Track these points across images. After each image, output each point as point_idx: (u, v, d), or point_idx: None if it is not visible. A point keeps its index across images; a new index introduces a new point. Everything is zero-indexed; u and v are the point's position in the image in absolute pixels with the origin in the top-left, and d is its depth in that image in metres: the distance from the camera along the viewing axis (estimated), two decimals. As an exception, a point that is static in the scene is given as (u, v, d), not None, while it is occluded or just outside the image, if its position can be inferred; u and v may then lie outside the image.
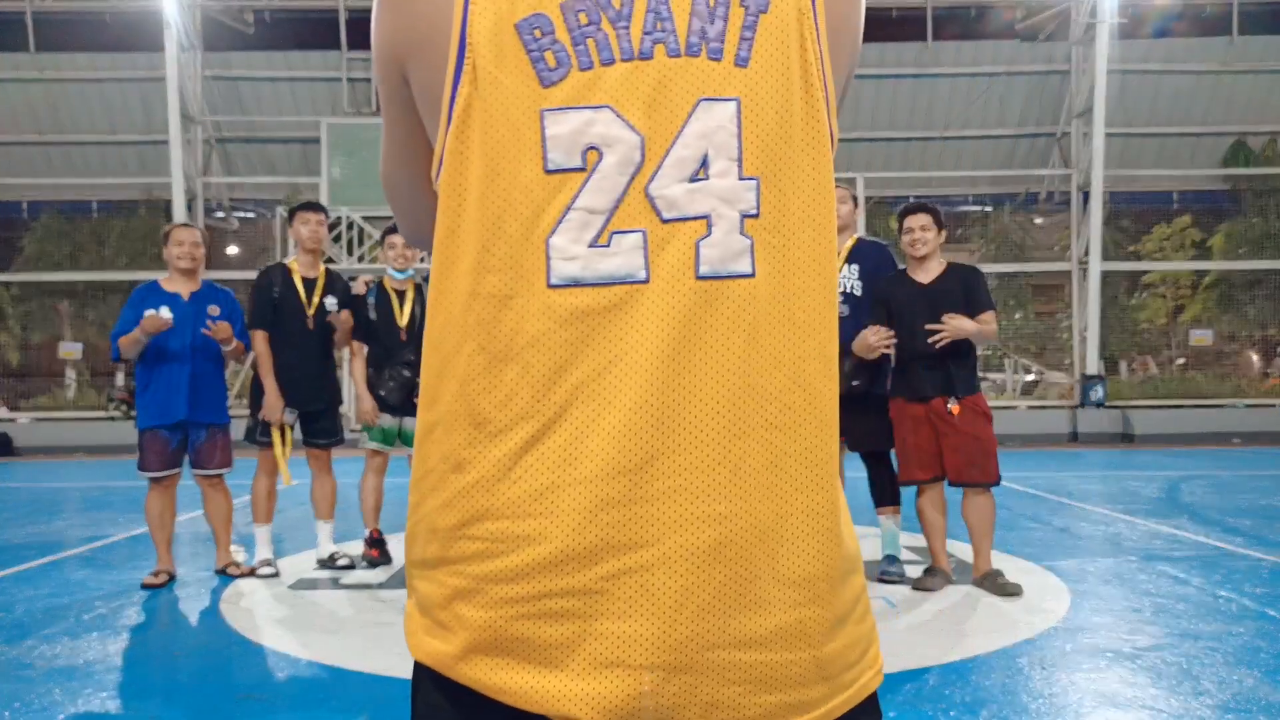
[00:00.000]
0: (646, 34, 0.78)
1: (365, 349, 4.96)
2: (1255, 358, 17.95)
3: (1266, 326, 16.52)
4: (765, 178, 0.79)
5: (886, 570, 4.34)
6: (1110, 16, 14.21)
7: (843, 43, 0.84)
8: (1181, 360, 17.10)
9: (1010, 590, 3.98)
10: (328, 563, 4.79)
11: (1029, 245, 16.56)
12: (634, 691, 0.77)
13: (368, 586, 4.43)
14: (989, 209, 16.53)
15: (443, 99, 0.80)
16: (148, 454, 4.49)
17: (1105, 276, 15.04)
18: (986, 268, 15.34)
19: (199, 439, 4.55)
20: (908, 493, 4.40)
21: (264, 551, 4.72)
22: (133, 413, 4.69)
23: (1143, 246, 17.05)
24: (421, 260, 13.79)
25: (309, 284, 4.80)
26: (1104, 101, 14.26)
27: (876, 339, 4.13)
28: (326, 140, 14.58)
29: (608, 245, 0.77)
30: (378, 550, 4.90)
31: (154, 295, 4.52)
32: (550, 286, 0.77)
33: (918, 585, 4.15)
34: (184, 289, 4.56)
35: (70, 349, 15.63)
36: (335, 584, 4.49)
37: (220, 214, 16.00)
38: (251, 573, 4.60)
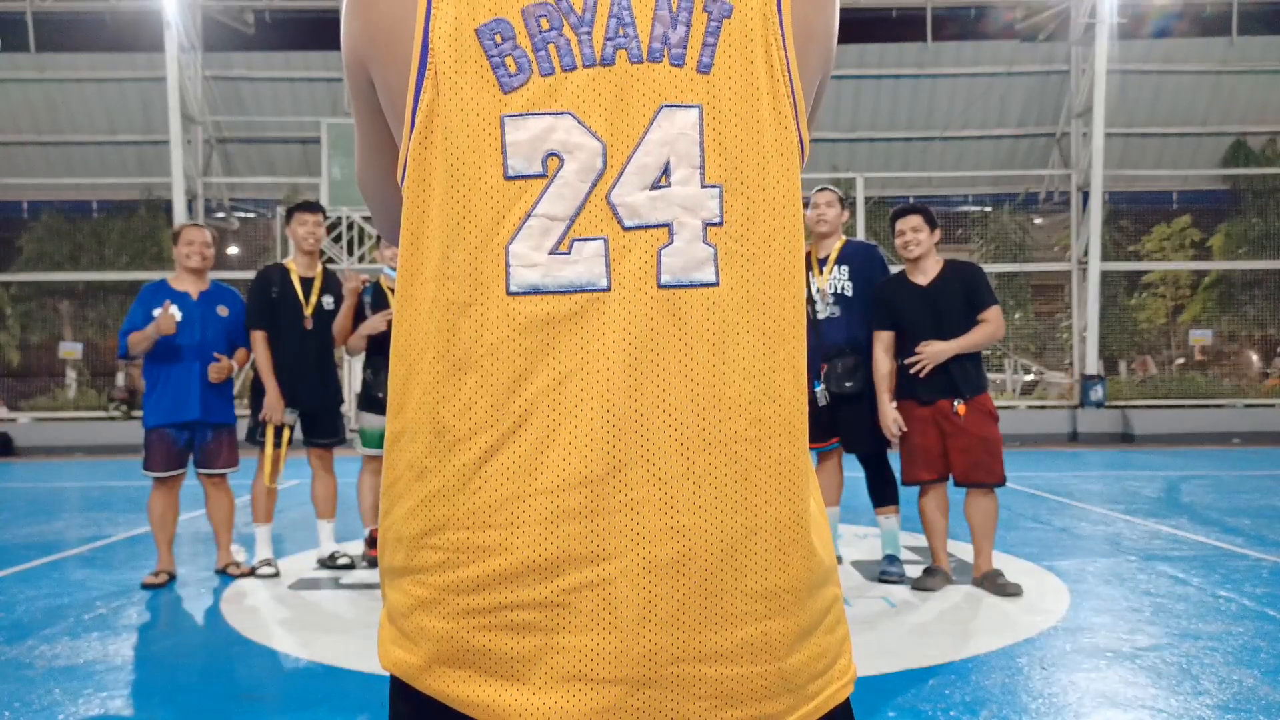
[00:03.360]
0: (608, 40, 0.77)
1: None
2: (1255, 358, 17.95)
3: (1266, 326, 16.52)
4: (729, 185, 0.78)
5: (886, 570, 4.34)
6: (1110, 16, 14.21)
7: (812, 50, 0.82)
8: (1181, 360, 17.10)
9: (1010, 590, 3.98)
10: (328, 562, 4.79)
11: (1029, 245, 16.56)
12: (597, 706, 0.75)
13: (367, 586, 4.43)
14: (989, 209, 16.53)
15: (405, 104, 0.79)
16: (153, 454, 4.49)
17: (1105, 276, 15.04)
18: (986, 268, 15.32)
19: (205, 439, 4.57)
20: (907, 492, 4.40)
21: (264, 551, 4.72)
22: (134, 412, 4.71)
23: (1142, 246, 17.05)
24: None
25: (306, 283, 4.81)
26: (1104, 101, 14.26)
27: (893, 428, 4.19)
28: (327, 140, 14.58)
29: (568, 253, 0.76)
30: (377, 550, 4.88)
31: (163, 293, 4.55)
32: (509, 294, 0.76)
33: (917, 585, 4.15)
34: (193, 288, 4.60)
35: (70, 349, 15.63)
36: (335, 584, 4.49)
37: (220, 214, 16.00)
38: (251, 573, 4.60)
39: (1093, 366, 14.55)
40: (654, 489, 0.76)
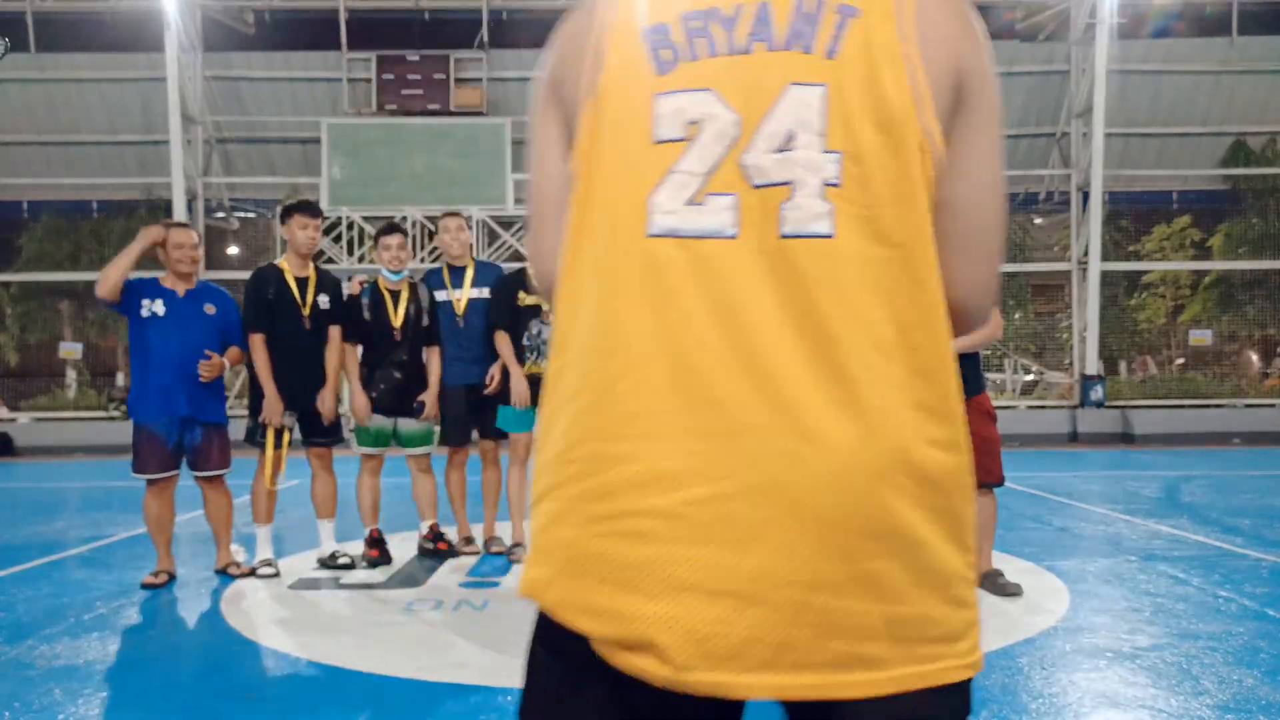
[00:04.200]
0: (749, 35, 0.90)
1: (359, 349, 4.94)
2: (1255, 358, 17.95)
3: (1266, 326, 16.51)
4: (848, 153, 0.86)
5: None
6: (1110, 16, 14.20)
7: (940, 53, 0.90)
8: (1181, 360, 17.10)
9: (1010, 590, 3.98)
10: (329, 561, 4.79)
11: (1029, 245, 16.55)
12: (706, 617, 0.80)
13: (368, 586, 4.43)
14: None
15: (579, 96, 0.95)
16: (143, 457, 4.46)
17: (1105, 276, 15.04)
18: (986, 268, 15.34)
19: (195, 439, 4.52)
20: None
21: (264, 551, 4.72)
22: None
23: (1142, 246, 17.04)
24: (421, 260, 13.80)
25: (302, 283, 4.75)
26: (1104, 101, 14.26)
27: None
28: (327, 140, 14.58)
29: (702, 204, 0.88)
30: (378, 550, 4.90)
31: (149, 288, 4.52)
32: (649, 236, 0.88)
33: None
34: (180, 286, 4.57)
35: (70, 349, 15.63)
36: (335, 584, 4.49)
37: (220, 214, 16.00)
38: (251, 573, 4.60)
39: (1093, 366, 14.55)
40: (773, 417, 0.82)
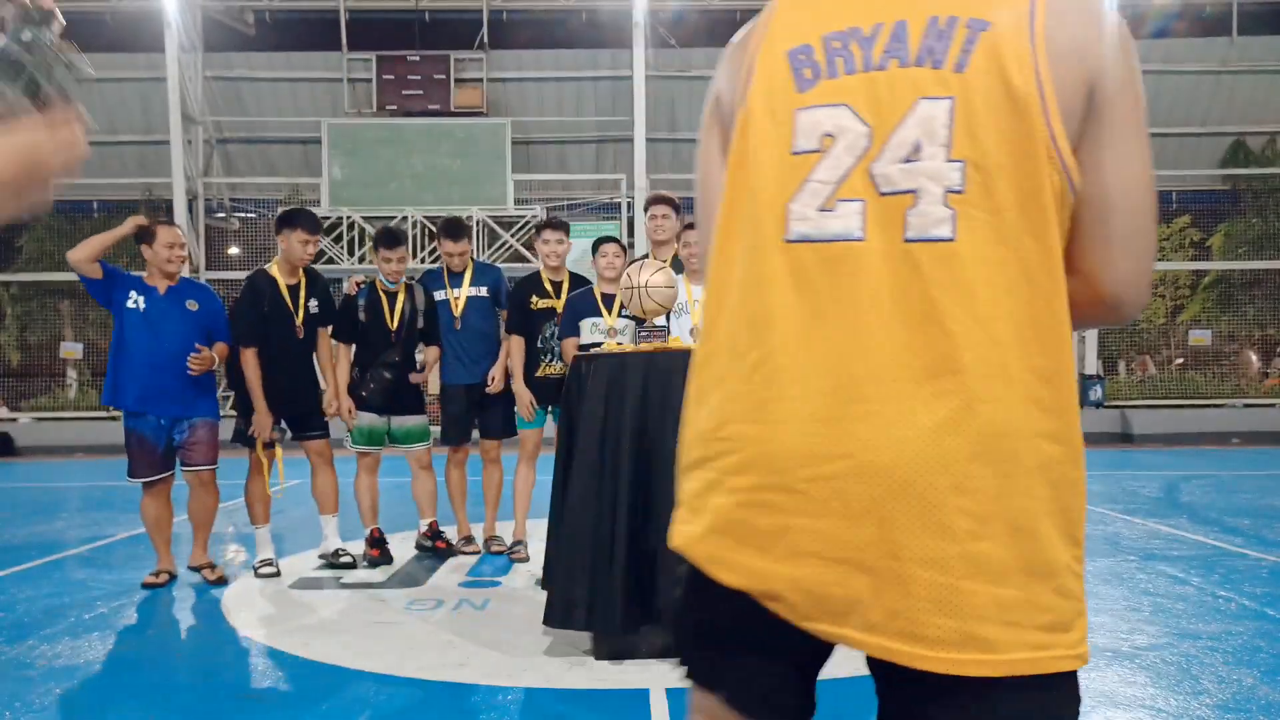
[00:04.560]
0: (885, 52, 0.97)
1: (352, 349, 4.98)
2: (1254, 358, 17.95)
3: (1266, 326, 16.52)
4: (971, 161, 0.92)
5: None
6: (1110, 17, 14.19)
7: (1069, 60, 0.92)
8: (1180, 360, 17.10)
9: None
10: (331, 559, 4.80)
11: (1029, 245, 16.52)
12: (824, 580, 0.93)
13: (368, 586, 4.43)
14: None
15: (735, 121, 1.05)
16: (135, 461, 4.43)
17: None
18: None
19: (184, 435, 4.49)
20: None
21: (265, 552, 4.72)
22: None
23: (1142, 246, 17.01)
24: (421, 261, 13.79)
25: (293, 290, 4.74)
26: (1104, 102, 14.24)
27: None
28: (327, 141, 14.58)
29: (833, 210, 0.96)
30: (378, 550, 4.91)
31: (132, 282, 4.47)
32: (786, 241, 0.98)
33: None
34: (161, 284, 4.49)
35: (71, 349, 15.62)
36: (335, 584, 4.50)
37: (221, 214, 16.00)
38: (220, 581, 4.50)
39: (1092, 366, 14.55)
40: (886, 405, 0.91)
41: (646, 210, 4.86)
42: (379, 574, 4.68)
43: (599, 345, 4.35)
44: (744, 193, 1.02)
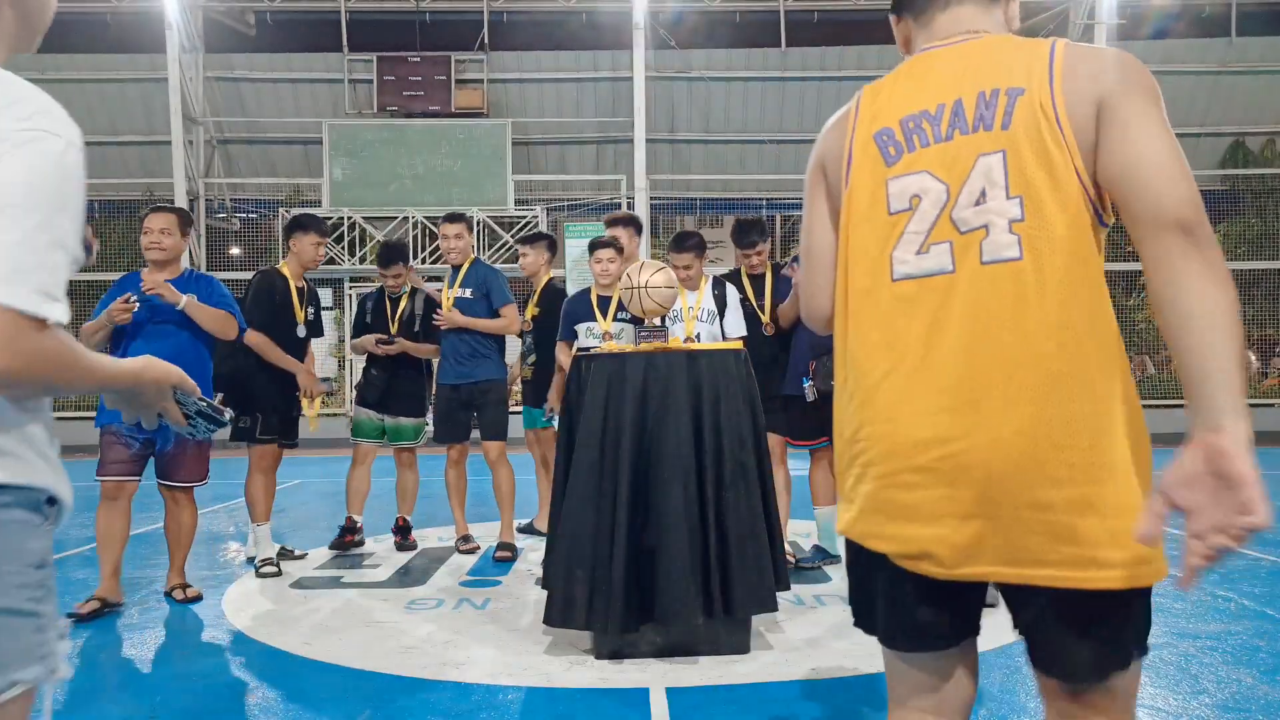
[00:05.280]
0: (950, 126, 1.27)
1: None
2: (1253, 358, 17.94)
3: (1265, 326, 16.52)
4: (1026, 195, 1.20)
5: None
6: (1109, 17, 14.21)
7: (1081, 93, 1.20)
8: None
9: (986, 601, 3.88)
10: (260, 565, 4.67)
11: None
12: (965, 534, 1.21)
13: (368, 586, 4.43)
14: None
15: (842, 187, 1.35)
16: (102, 457, 4.04)
17: (1104, 276, 15.03)
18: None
19: (167, 444, 4.01)
20: None
21: (266, 551, 4.71)
22: None
23: (1142, 247, 17.01)
24: (422, 261, 13.79)
25: (300, 293, 4.91)
26: (1104, 102, 14.24)
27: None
28: (328, 141, 14.60)
29: (927, 253, 1.26)
30: (401, 535, 5.26)
31: (130, 283, 4.08)
32: (893, 280, 1.28)
33: None
34: (160, 278, 4.05)
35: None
36: (336, 583, 4.50)
37: (222, 215, 16.01)
38: (191, 598, 4.16)
39: (1093, 367, 14.54)
40: (989, 392, 1.19)
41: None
42: (379, 574, 4.69)
43: (591, 349, 4.43)
44: (854, 248, 1.32)
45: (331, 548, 5.21)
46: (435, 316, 4.99)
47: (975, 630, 1.38)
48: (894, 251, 1.27)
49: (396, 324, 5.18)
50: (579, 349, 4.57)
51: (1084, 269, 1.18)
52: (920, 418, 1.23)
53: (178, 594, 4.17)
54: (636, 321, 4.65)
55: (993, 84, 1.24)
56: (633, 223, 5.22)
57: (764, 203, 15.86)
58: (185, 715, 2.84)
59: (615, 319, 4.64)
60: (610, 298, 4.66)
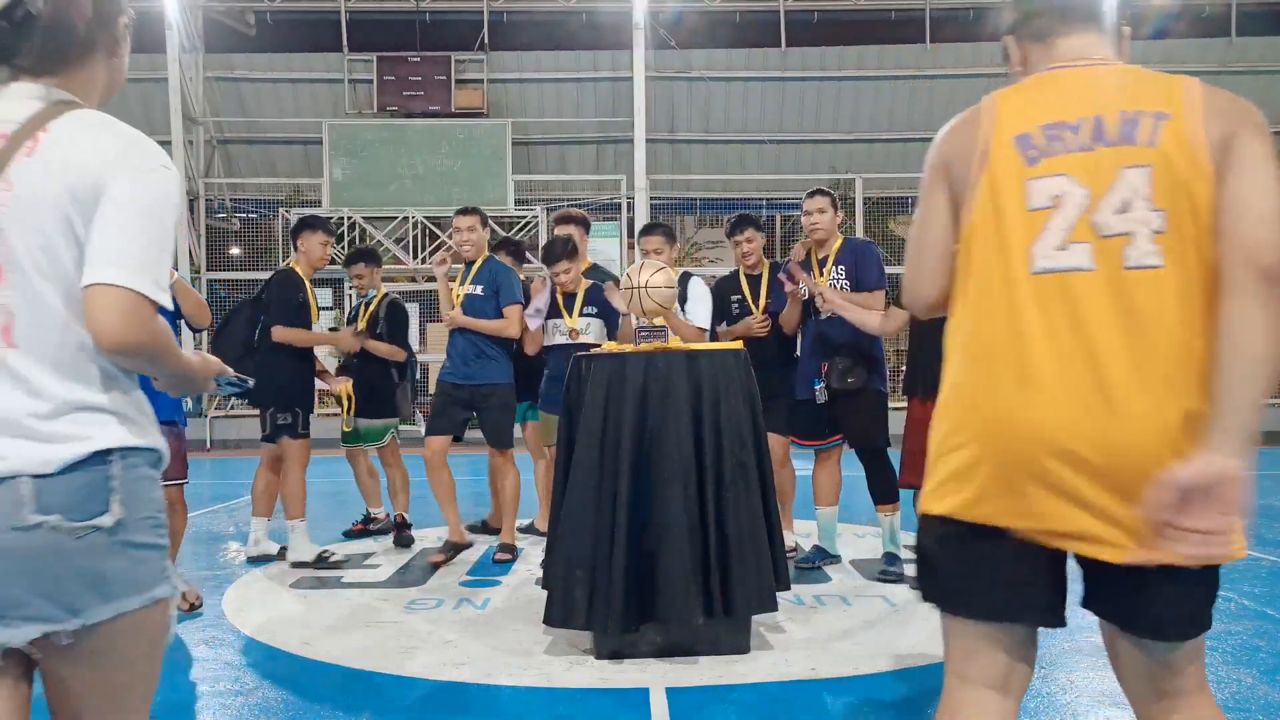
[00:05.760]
0: (1091, 138, 1.38)
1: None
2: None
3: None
4: (1169, 210, 1.32)
5: (886, 570, 4.35)
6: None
7: (1216, 129, 1.33)
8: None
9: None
10: (314, 561, 4.79)
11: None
12: (1104, 516, 1.33)
13: (368, 585, 4.43)
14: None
15: (972, 184, 1.43)
16: None
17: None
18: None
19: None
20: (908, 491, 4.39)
21: (303, 551, 4.74)
22: None
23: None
24: (421, 261, 13.79)
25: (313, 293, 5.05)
26: (1104, 102, 14.24)
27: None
28: (328, 141, 14.59)
29: (1066, 250, 1.36)
30: (398, 530, 5.36)
31: None
32: (1032, 274, 1.37)
33: (915, 585, 4.14)
34: None
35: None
36: (336, 583, 4.50)
37: (222, 214, 16.01)
38: (195, 607, 4.01)
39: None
40: (1115, 390, 1.30)
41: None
42: (379, 574, 4.68)
43: (564, 347, 4.64)
44: (994, 239, 1.40)
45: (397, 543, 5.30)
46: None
47: (1060, 612, 1.48)
48: (1033, 246, 1.37)
49: (364, 324, 5.38)
50: (544, 347, 4.83)
51: (1209, 280, 1.31)
52: (1065, 407, 1.32)
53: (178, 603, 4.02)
54: (602, 316, 4.70)
55: (1134, 106, 1.37)
56: (584, 222, 5.26)
57: (764, 203, 15.85)
58: (185, 715, 2.84)
59: (581, 314, 4.73)
60: (575, 294, 4.78)
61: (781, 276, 4.56)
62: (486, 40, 15.33)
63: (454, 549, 4.88)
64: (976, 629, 1.46)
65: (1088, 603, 1.47)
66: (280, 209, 14.50)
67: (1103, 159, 1.36)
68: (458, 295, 4.90)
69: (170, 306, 1.28)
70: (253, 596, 4.26)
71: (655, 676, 3.05)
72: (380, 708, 2.86)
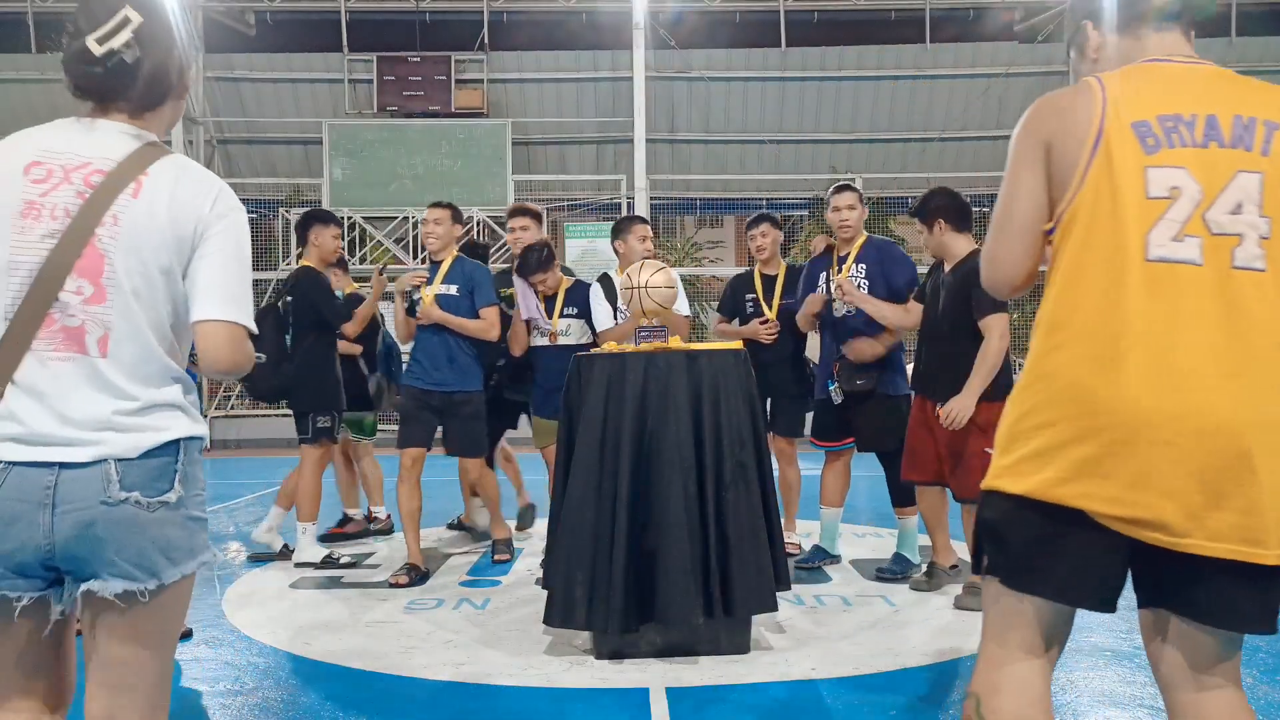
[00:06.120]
0: (1205, 136, 1.40)
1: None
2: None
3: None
4: (1275, 219, 1.38)
5: (886, 569, 4.34)
6: (1110, 17, 14.19)
7: None
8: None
9: (969, 606, 3.76)
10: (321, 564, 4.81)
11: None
12: (1197, 508, 1.33)
13: (368, 585, 4.43)
14: (988, 210, 16.56)
15: (1080, 164, 1.43)
16: None
17: None
18: (986, 268, 15.32)
19: None
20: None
21: (307, 549, 4.77)
22: None
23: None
24: (421, 262, 13.79)
25: None
26: (1104, 102, 14.23)
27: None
28: (328, 141, 14.59)
29: (1181, 241, 1.38)
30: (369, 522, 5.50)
31: None
32: (1147, 260, 1.38)
33: (914, 585, 4.15)
34: None
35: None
36: (336, 583, 4.50)
37: (221, 215, 16.01)
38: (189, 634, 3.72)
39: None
40: (1237, 380, 1.34)
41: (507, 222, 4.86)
42: (379, 574, 4.68)
43: (549, 348, 4.64)
44: (1108, 222, 1.41)
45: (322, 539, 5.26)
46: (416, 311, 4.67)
47: (1115, 600, 1.48)
48: (1150, 233, 1.38)
49: None
50: (538, 348, 4.75)
51: None
52: (1166, 396, 1.34)
53: None
54: (583, 316, 4.66)
55: (1249, 111, 1.41)
56: (538, 216, 5.11)
57: (764, 203, 15.85)
58: (185, 715, 2.84)
59: (562, 315, 4.68)
60: (555, 298, 4.70)
61: (830, 293, 4.48)
62: (486, 40, 15.32)
63: (414, 571, 4.45)
64: (1032, 604, 1.47)
65: (1141, 589, 1.48)
66: (280, 209, 14.50)
67: (1218, 159, 1.39)
68: (428, 296, 4.54)
69: (257, 332, 1.57)
70: (253, 596, 4.26)
71: (655, 676, 3.05)
72: (380, 708, 2.85)
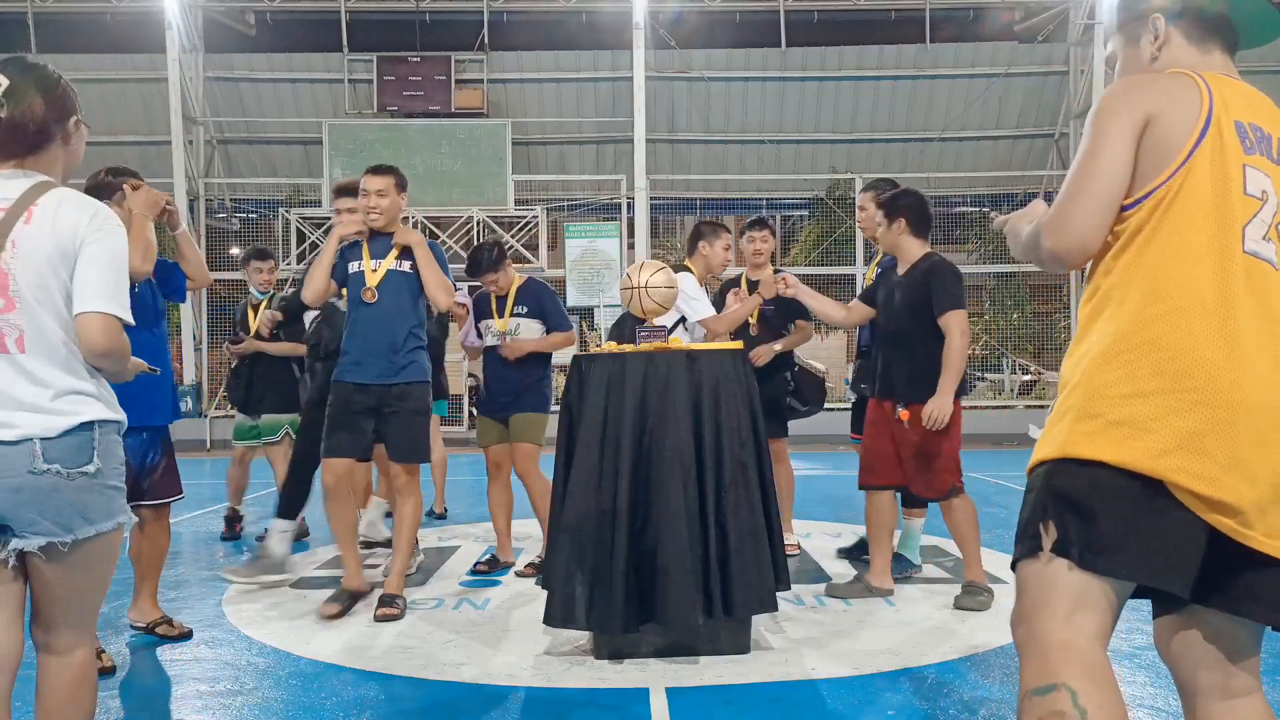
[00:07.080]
0: (1278, 154, 1.50)
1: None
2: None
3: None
4: None
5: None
6: (1110, 17, 14.20)
7: None
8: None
9: (967, 606, 3.81)
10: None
11: (1029, 246, 16.51)
12: (1257, 498, 1.37)
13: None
14: (988, 210, 16.56)
15: (1184, 145, 1.47)
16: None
17: None
18: (985, 268, 15.35)
19: (155, 456, 3.41)
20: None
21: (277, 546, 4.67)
22: None
23: (1142, 247, 16.99)
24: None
25: None
26: (1104, 102, 14.23)
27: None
28: (328, 141, 14.59)
29: (1269, 242, 1.47)
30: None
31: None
32: (1244, 252, 1.45)
33: (831, 590, 4.07)
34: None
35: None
36: (335, 584, 4.49)
37: (222, 215, 16.01)
38: (189, 634, 3.64)
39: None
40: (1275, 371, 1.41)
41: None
42: (379, 574, 4.68)
43: (495, 348, 4.60)
44: (1211, 207, 1.45)
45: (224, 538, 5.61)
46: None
47: (1189, 587, 1.45)
48: (1246, 227, 1.45)
49: (253, 329, 5.55)
50: (487, 348, 4.68)
51: None
52: (1262, 379, 1.38)
53: (163, 629, 3.58)
54: (537, 314, 4.59)
55: None
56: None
57: (764, 203, 15.86)
58: (185, 715, 2.84)
59: (512, 314, 4.61)
60: (505, 297, 4.65)
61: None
62: (486, 40, 15.32)
63: (351, 598, 3.95)
64: (1106, 585, 1.44)
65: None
66: (280, 209, 14.50)
67: None
68: (376, 272, 3.88)
69: (132, 322, 1.88)
70: (253, 596, 4.26)
71: (655, 676, 3.05)
72: (380, 708, 2.86)
